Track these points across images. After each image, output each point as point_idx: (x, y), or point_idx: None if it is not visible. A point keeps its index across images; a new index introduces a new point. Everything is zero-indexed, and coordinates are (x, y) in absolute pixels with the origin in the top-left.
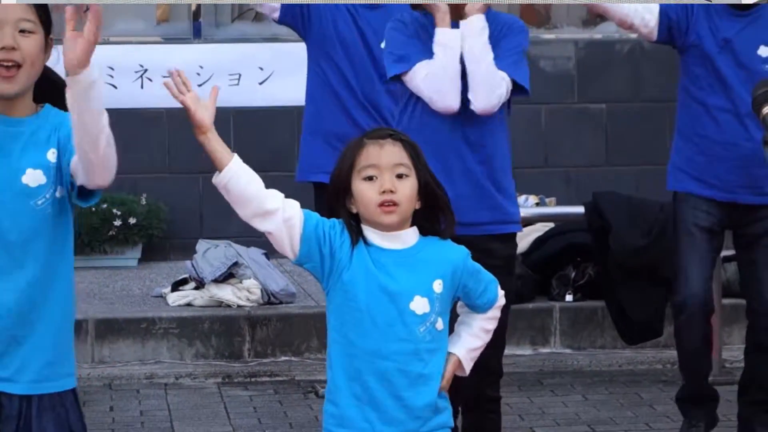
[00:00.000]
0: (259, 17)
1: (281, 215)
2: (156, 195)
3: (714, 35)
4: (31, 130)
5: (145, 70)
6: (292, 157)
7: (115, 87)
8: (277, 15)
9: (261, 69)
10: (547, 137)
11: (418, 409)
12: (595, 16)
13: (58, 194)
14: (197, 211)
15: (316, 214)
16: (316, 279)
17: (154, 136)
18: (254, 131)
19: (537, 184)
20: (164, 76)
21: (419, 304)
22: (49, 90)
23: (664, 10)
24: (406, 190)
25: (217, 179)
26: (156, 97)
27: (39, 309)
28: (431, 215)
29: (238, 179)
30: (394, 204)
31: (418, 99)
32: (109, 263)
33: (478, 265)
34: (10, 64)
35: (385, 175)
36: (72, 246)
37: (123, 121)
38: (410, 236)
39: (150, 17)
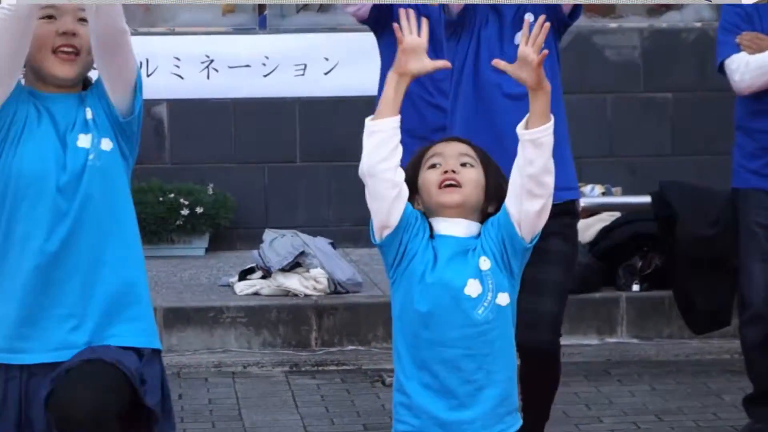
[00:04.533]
0: (324, 7)
1: (398, 190)
2: (223, 185)
3: None
4: (76, 101)
5: (212, 61)
6: (356, 148)
7: (182, 77)
8: (363, 12)
9: (326, 59)
10: (613, 127)
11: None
12: (660, 6)
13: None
14: (263, 200)
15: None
16: (385, 267)
17: (220, 127)
18: (319, 121)
19: (602, 173)
20: (230, 66)
21: (472, 288)
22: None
23: None
24: (471, 175)
25: (369, 122)
26: (222, 87)
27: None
28: None
29: (386, 139)
30: (456, 185)
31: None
32: (176, 252)
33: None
34: (70, 49)
35: (448, 160)
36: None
37: (189, 111)
38: (472, 228)
39: (216, 8)
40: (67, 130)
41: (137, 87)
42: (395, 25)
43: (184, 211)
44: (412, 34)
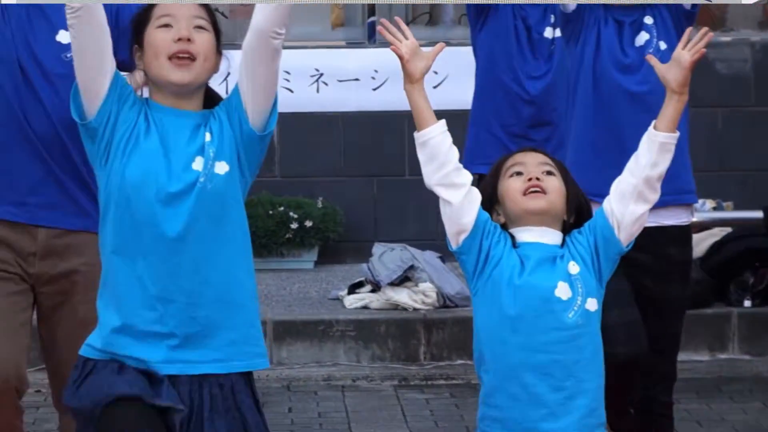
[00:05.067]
0: (433, 21)
1: (465, 191)
2: (332, 198)
3: None
4: (196, 122)
5: (321, 75)
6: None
7: (291, 91)
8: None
9: (435, 73)
10: (724, 140)
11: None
12: None
13: (218, 170)
14: (372, 214)
15: (487, 214)
16: (466, 278)
17: (329, 140)
18: None
19: (713, 187)
20: (340, 80)
21: (562, 290)
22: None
23: None
24: (554, 183)
25: (419, 134)
26: (332, 101)
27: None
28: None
29: (440, 142)
30: (541, 191)
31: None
32: (286, 266)
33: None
34: (185, 55)
35: (531, 168)
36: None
37: (299, 124)
38: (556, 237)
39: (325, 22)
40: (177, 149)
41: (275, 101)
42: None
43: (294, 225)
44: (402, 41)
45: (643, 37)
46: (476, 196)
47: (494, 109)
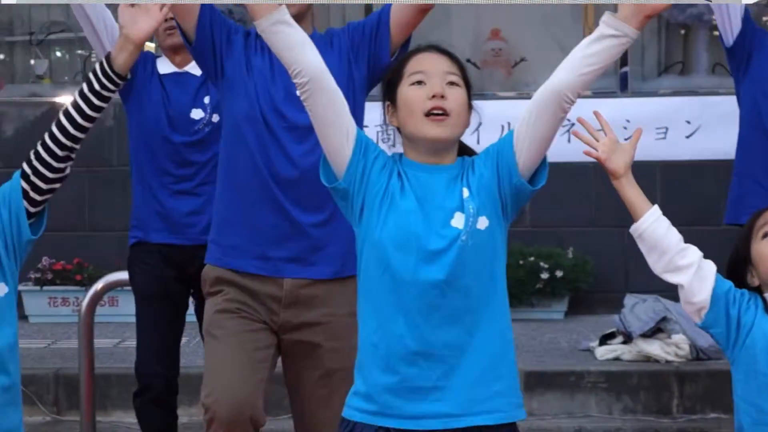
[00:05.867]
0: (686, 70)
1: (693, 270)
2: (582, 248)
3: None
4: (452, 177)
5: (572, 125)
6: (719, 211)
7: None
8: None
9: (688, 122)
10: None
11: None
12: None
13: (479, 226)
14: (623, 264)
15: (728, 281)
16: (721, 347)
17: (580, 190)
18: (681, 185)
19: None
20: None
21: None
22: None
23: None
24: None
25: (633, 227)
26: (582, 151)
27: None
28: None
29: (654, 230)
30: None
31: None
32: (536, 316)
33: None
34: (440, 111)
35: None
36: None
37: (550, 174)
38: None
39: None
40: (435, 206)
41: (546, 157)
42: None
43: (544, 275)
44: (600, 140)
45: None
46: (708, 271)
47: (760, 159)
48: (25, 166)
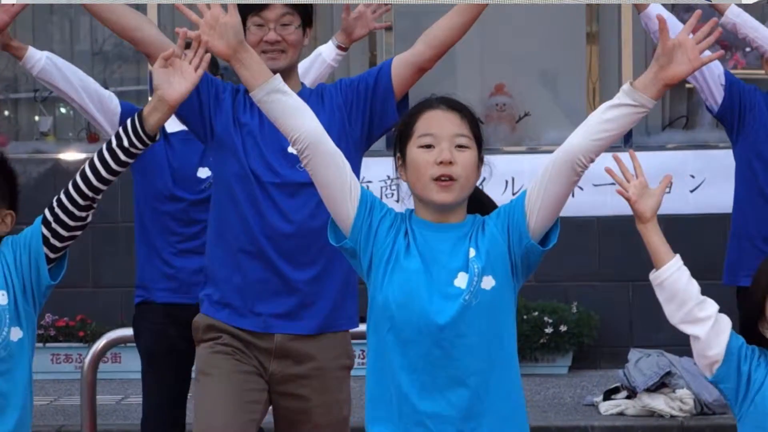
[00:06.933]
0: (690, 124)
1: (710, 323)
2: (587, 303)
3: None
4: (459, 236)
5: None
6: (723, 265)
7: None
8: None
9: (692, 176)
10: None
11: None
12: None
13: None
14: (628, 318)
15: (741, 337)
16: (729, 403)
17: (584, 244)
18: (685, 239)
19: None
20: (595, 185)
21: None
22: (476, 210)
23: None
24: None
25: (653, 275)
26: (587, 204)
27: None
28: None
29: (676, 280)
30: None
31: None
32: (540, 371)
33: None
34: (446, 178)
35: None
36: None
37: None
38: None
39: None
40: (439, 265)
41: (558, 219)
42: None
43: (548, 329)
44: (631, 182)
45: None
46: (724, 325)
47: (756, 221)
48: (46, 212)
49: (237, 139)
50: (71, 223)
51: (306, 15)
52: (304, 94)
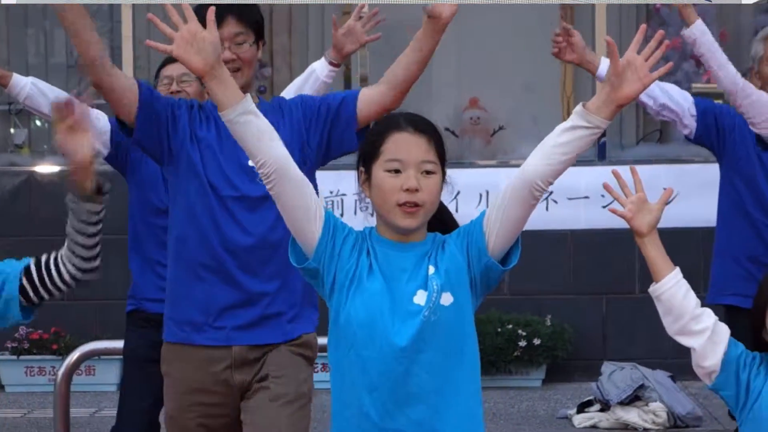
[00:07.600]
0: (663, 138)
1: (707, 335)
2: (560, 316)
3: None
4: (420, 254)
5: (551, 193)
6: (697, 279)
7: None
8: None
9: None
10: None
11: None
12: None
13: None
14: (601, 332)
15: (741, 344)
16: (729, 408)
17: (558, 257)
18: None
19: None
20: (569, 198)
21: None
22: (439, 229)
23: None
24: None
25: (652, 288)
26: (560, 219)
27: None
28: None
29: (673, 295)
30: None
31: None
32: (513, 383)
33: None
34: (412, 204)
35: None
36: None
37: (528, 242)
38: None
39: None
40: (400, 284)
41: (519, 238)
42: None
43: (522, 342)
44: (628, 197)
45: None
46: (721, 336)
47: (741, 241)
48: (32, 267)
49: (195, 154)
50: (48, 296)
51: (258, 31)
52: (263, 107)
